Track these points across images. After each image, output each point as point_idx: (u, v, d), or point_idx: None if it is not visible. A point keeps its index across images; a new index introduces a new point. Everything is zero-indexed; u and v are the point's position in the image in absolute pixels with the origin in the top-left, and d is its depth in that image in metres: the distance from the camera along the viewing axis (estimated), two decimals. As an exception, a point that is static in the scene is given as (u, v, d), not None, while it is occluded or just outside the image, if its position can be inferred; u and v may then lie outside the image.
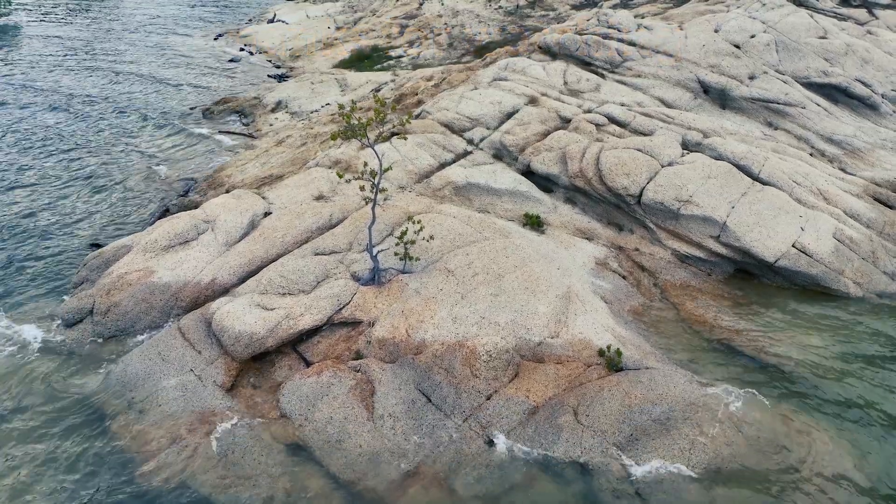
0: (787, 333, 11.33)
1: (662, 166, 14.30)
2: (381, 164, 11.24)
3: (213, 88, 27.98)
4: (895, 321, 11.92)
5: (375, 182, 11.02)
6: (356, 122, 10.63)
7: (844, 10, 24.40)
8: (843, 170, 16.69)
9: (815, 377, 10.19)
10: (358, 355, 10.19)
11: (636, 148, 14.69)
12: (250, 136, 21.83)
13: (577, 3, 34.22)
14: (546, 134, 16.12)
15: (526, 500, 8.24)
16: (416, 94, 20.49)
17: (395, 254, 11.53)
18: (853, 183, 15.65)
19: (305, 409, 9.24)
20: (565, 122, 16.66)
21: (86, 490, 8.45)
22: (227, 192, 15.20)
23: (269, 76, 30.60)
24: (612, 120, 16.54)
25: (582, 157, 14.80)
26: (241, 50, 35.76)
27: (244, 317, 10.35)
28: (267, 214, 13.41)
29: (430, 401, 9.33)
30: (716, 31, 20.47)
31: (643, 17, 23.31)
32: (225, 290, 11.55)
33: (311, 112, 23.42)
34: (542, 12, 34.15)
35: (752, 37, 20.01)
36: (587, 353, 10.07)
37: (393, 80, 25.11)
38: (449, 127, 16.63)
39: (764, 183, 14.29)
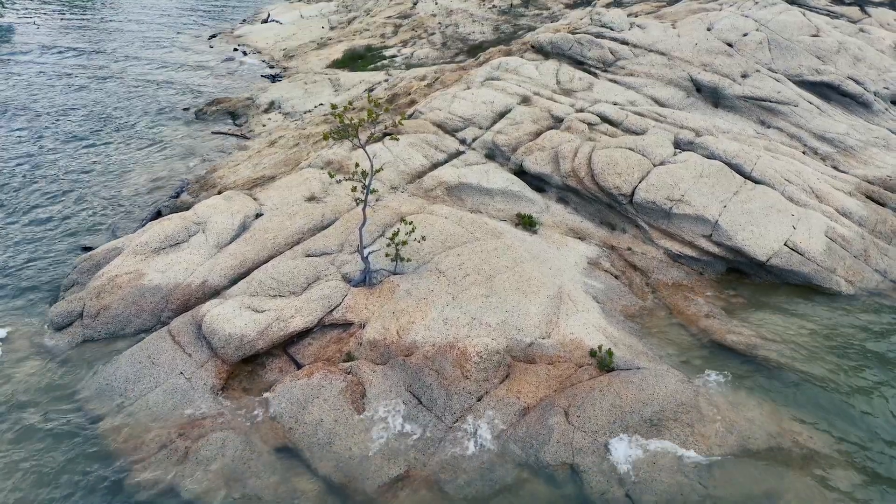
0: (779, 332, 11.33)
1: (654, 165, 14.30)
2: (371, 165, 11.20)
3: (206, 89, 27.88)
4: (887, 318, 11.94)
5: (366, 183, 10.98)
6: (348, 122, 10.59)
7: (837, 8, 24.44)
8: (835, 168, 16.70)
9: (808, 375, 10.20)
10: (349, 357, 10.15)
11: (628, 147, 14.68)
12: (243, 136, 21.75)
13: (570, 2, 34.18)
14: (538, 133, 16.11)
15: (516, 502, 8.22)
16: (410, 94, 20.44)
17: (387, 255, 11.49)
18: (845, 181, 15.67)
19: (296, 411, 9.19)
20: (558, 121, 16.64)
21: (73, 495, 8.39)
22: (220, 193, 15.13)
23: (262, 76, 30.49)
24: (605, 119, 16.53)
25: (574, 156, 14.78)
26: (235, 50, 35.63)
27: (234, 319, 10.30)
28: (258, 216, 13.36)
29: (421, 402, 9.30)
30: (708, 29, 20.50)
31: (636, 16, 23.31)
32: (215, 293, 11.50)
33: (305, 112, 23.35)
34: (536, 11, 34.11)
35: (745, 35, 20.03)
36: (578, 354, 10.06)
37: (386, 80, 25.05)
38: (441, 127, 16.60)
39: (756, 181, 14.29)
